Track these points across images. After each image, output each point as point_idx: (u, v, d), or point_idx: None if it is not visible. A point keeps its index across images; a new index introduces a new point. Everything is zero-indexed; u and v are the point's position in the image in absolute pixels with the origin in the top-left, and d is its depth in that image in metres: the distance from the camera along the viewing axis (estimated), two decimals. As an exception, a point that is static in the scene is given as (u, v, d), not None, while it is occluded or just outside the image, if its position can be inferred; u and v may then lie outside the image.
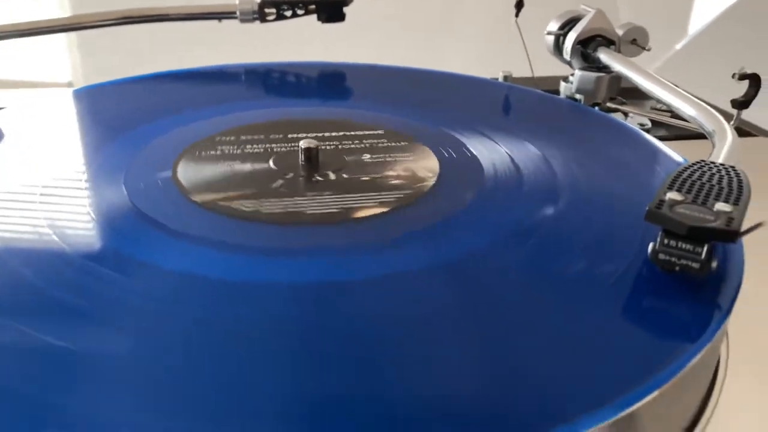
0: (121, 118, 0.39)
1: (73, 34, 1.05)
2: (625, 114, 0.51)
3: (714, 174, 0.27)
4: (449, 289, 0.25)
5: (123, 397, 0.19)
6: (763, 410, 0.25)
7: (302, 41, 0.62)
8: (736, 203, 0.24)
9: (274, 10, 0.51)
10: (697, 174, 0.26)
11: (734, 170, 0.27)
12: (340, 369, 0.20)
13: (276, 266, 0.25)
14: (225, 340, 0.21)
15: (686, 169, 0.27)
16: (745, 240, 0.26)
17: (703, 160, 0.28)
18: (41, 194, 0.30)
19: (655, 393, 0.20)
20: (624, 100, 0.50)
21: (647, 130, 0.50)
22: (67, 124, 0.40)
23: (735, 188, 0.25)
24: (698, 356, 0.21)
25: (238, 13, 0.51)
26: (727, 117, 0.40)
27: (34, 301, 0.23)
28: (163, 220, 0.27)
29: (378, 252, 0.26)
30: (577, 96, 0.49)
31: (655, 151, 0.36)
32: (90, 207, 0.29)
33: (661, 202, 0.24)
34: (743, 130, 0.52)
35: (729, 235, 0.22)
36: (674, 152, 0.35)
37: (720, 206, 0.24)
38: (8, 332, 0.21)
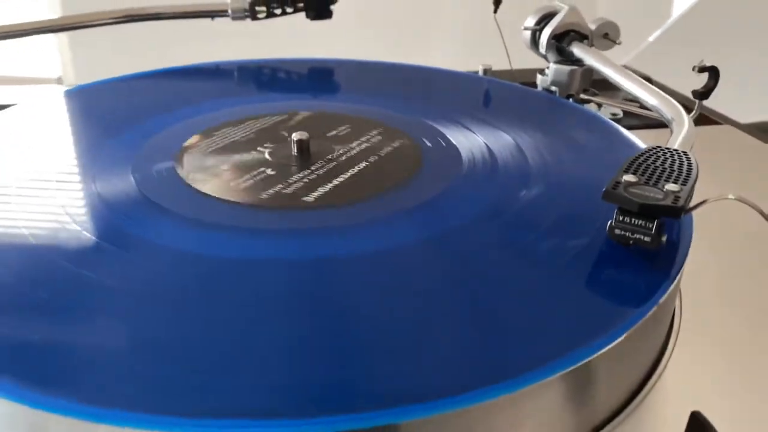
0: (122, 114, 0.41)
1: (62, 30, 1.06)
2: (599, 105, 0.54)
3: (667, 158, 0.30)
4: (433, 263, 0.28)
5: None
6: (710, 372, 0.28)
7: (290, 38, 0.64)
8: (684, 183, 0.27)
9: (264, 8, 0.53)
10: (652, 158, 0.29)
11: (686, 155, 0.30)
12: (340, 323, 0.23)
13: (275, 246, 0.28)
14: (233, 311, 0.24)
15: (642, 154, 0.30)
16: (699, 219, 0.29)
17: (658, 146, 0.31)
18: (56, 188, 0.32)
19: (606, 349, 0.23)
20: (596, 92, 0.53)
21: (618, 120, 0.53)
22: (71, 123, 0.42)
23: (684, 170, 0.28)
24: (647, 316, 0.24)
25: (229, 11, 0.53)
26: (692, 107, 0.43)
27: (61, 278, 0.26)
28: (174, 208, 0.30)
29: (367, 231, 0.29)
30: (553, 88, 0.52)
31: (621, 139, 0.39)
32: (102, 200, 0.32)
33: (617, 183, 0.27)
34: (709, 119, 0.56)
35: (675, 211, 0.25)
36: (638, 139, 0.38)
37: (669, 186, 0.27)
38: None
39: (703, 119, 0.55)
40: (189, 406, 0.20)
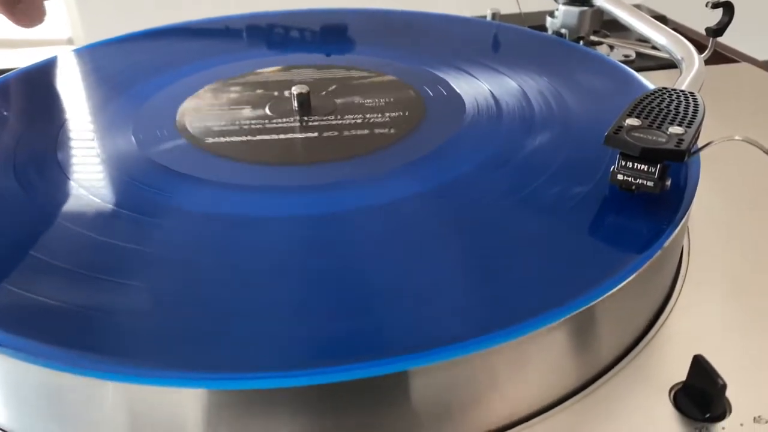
0: (124, 74, 0.41)
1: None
2: (611, 47, 0.52)
3: (673, 100, 0.29)
4: (438, 213, 0.28)
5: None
6: (717, 315, 0.27)
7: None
8: (689, 126, 0.26)
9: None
10: (657, 101, 0.29)
11: (692, 95, 0.29)
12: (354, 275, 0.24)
13: (282, 202, 0.28)
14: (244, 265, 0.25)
15: (647, 96, 0.29)
16: (709, 160, 0.29)
17: (664, 88, 0.30)
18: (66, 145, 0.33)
19: (608, 294, 0.23)
20: (608, 33, 0.52)
21: (631, 61, 0.52)
22: (75, 84, 0.42)
23: (690, 112, 0.28)
24: (651, 260, 0.24)
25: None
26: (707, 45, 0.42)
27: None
28: (177, 168, 0.30)
29: (367, 185, 0.29)
30: (563, 30, 0.51)
31: (630, 81, 0.38)
32: (109, 162, 0.32)
33: (620, 127, 0.26)
34: (726, 57, 0.54)
35: (678, 155, 0.25)
36: (648, 81, 0.37)
37: (673, 129, 0.26)
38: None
39: (720, 57, 0.54)
40: (202, 360, 0.20)
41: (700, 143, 0.27)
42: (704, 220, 0.32)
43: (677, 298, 0.28)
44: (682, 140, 0.25)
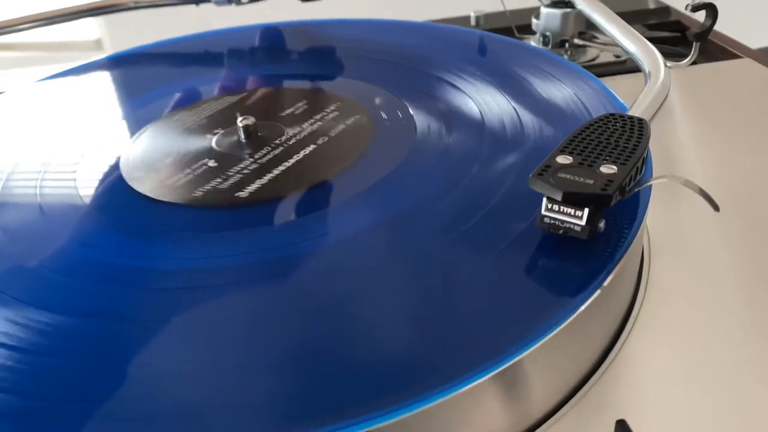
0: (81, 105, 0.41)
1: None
2: (600, 48, 0.49)
3: (617, 129, 0.27)
4: (364, 260, 0.26)
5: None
6: (666, 363, 0.25)
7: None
8: (624, 163, 0.24)
9: (249, -7, 0.51)
10: (598, 132, 0.26)
11: (639, 124, 0.27)
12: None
13: (228, 248, 0.27)
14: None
15: (589, 126, 0.27)
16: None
17: (611, 114, 0.28)
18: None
19: (536, 346, 0.21)
20: (595, 35, 0.49)
21: (623, 62, 0.49)
22: (29, 115, 0.42)
23: (630, 146, 0.25)
24: (583, 306, 0.22)
25: (212, -2, 0.51)
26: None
27: None
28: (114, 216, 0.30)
29: (292, 230, 0.28)
30: (547, 33, 0.49)
31: (598, 94, 0.35)
32: (40, 200, 0.31)
33: (547, 167, 0.24)
34: (730, 52, 0.50)
35: (603, 199, 0.23)
36: (618, 96, 0.35)
37: (606, 168, 0.24)
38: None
39: (720, 52, 0.50)
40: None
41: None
42: (667, 248, 0.30)
43: (620, 348, 0.26)
44: (611, 182, 0.23)
